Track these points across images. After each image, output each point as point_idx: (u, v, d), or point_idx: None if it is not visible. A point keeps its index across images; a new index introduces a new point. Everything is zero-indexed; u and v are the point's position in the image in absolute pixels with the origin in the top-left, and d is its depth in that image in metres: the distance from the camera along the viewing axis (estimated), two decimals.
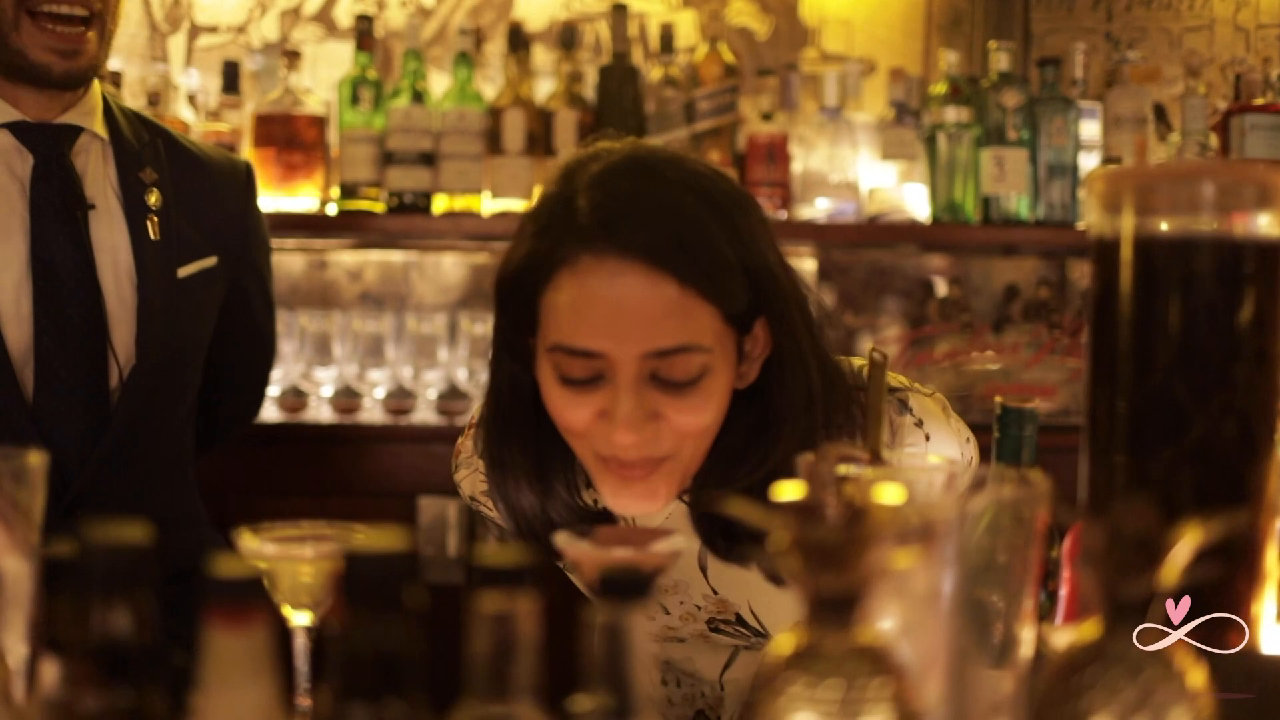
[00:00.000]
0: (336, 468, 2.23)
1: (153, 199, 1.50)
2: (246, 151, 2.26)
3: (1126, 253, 0.77)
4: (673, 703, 1.37)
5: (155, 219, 1.50)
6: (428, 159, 2.27)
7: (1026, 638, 0.79)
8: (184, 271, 1.51)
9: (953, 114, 2.29)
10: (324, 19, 2.55)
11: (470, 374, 2.36)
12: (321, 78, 2.45)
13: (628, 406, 0.97)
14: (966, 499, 0.75)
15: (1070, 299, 2.52)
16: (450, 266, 2.58)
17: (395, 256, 2.49)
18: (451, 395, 2.38)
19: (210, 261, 1.55)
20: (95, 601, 0.57)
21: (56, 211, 1.44)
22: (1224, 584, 0.74)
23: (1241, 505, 0.74)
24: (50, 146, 1.46)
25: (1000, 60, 2.32)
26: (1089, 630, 0.63)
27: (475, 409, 1.22)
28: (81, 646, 0.58)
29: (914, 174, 2.32)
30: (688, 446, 1.03)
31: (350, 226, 2.27)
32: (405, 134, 2.26)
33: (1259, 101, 2.35)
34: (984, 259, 2.54)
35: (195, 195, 1.55)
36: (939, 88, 2.34)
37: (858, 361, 1.19)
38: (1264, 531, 0.76)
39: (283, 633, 0.80)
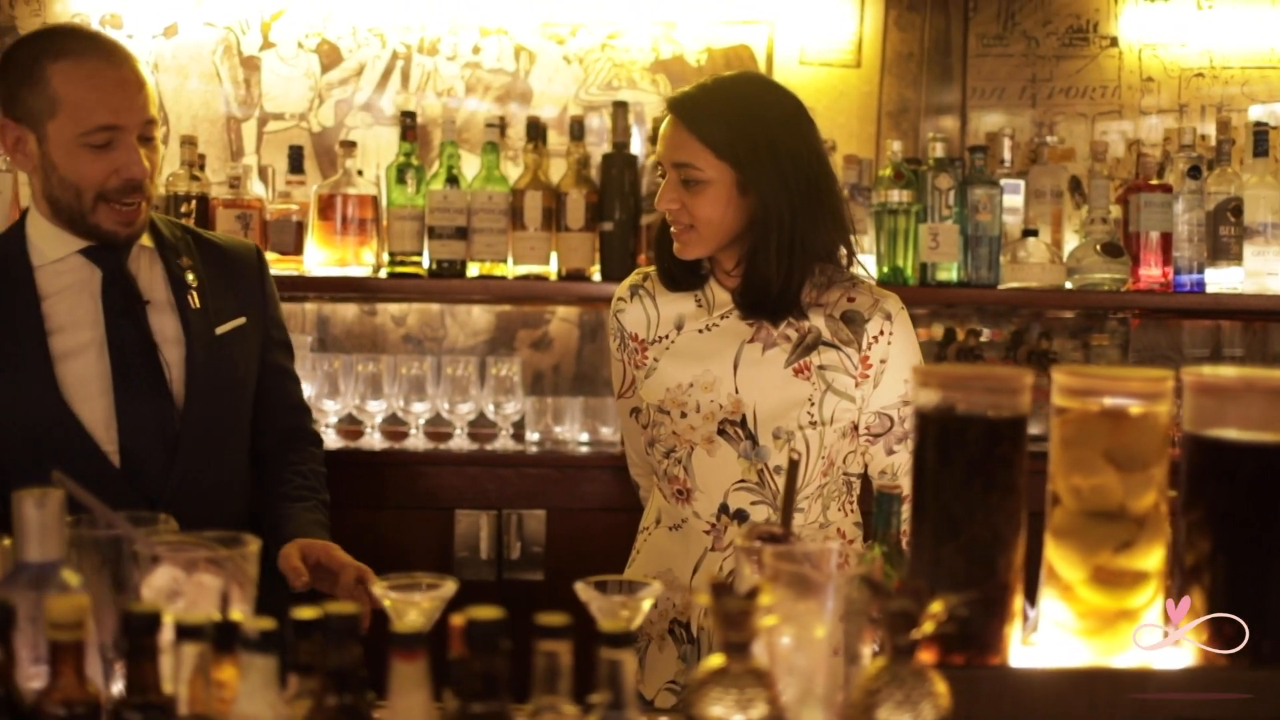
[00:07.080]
0: (387, 486, 2.71)
1: (190, 278, 1.90)
2: (312, 222, 2.74)
3: (934, 425, 1.24)
4: (652, 621, 1.84)
5: (194, 293, 1.90)
6: (462, 232, 2.75)
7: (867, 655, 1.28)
8: (221, 330, 1.91)
9: (896, 195, 2.76)
10: (371, 108, 3.02)
11: (496, 407, 2.85)
12: (370, 154, 2.93)
13: (668, 190, 1.83)
14: (841, 577, 1.24)
15: (996, 344, 3.00)
16: (479, 314, 3.05)
17: (434, 307, 2.97)
18: (480, 423, 2.87)
19: (241, 321, 1.94)
20: (330, 646, 1.06)
21: (120, 310, 1.84)
22: (985, 623, 1.22)
23: (993, 580, 1.22)
24: (113, 261, 1.85)
25: (936, 149, 2.78)
26: (880, 660, 1.12)
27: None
28: (321, 670, 1.07)
29: (863, 244, 2.79)
30: (700, 225, 1.81)
31: (398, 289, 2.74)
32: (443, 212, 2.73)
33: (1153, 181, 2.82)
34: (922, 313, 3.02)
35: (222, 273, 1.96)
36: (885, 171, 2.80)
37: None
38: (1011, 591, 1.24)
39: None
